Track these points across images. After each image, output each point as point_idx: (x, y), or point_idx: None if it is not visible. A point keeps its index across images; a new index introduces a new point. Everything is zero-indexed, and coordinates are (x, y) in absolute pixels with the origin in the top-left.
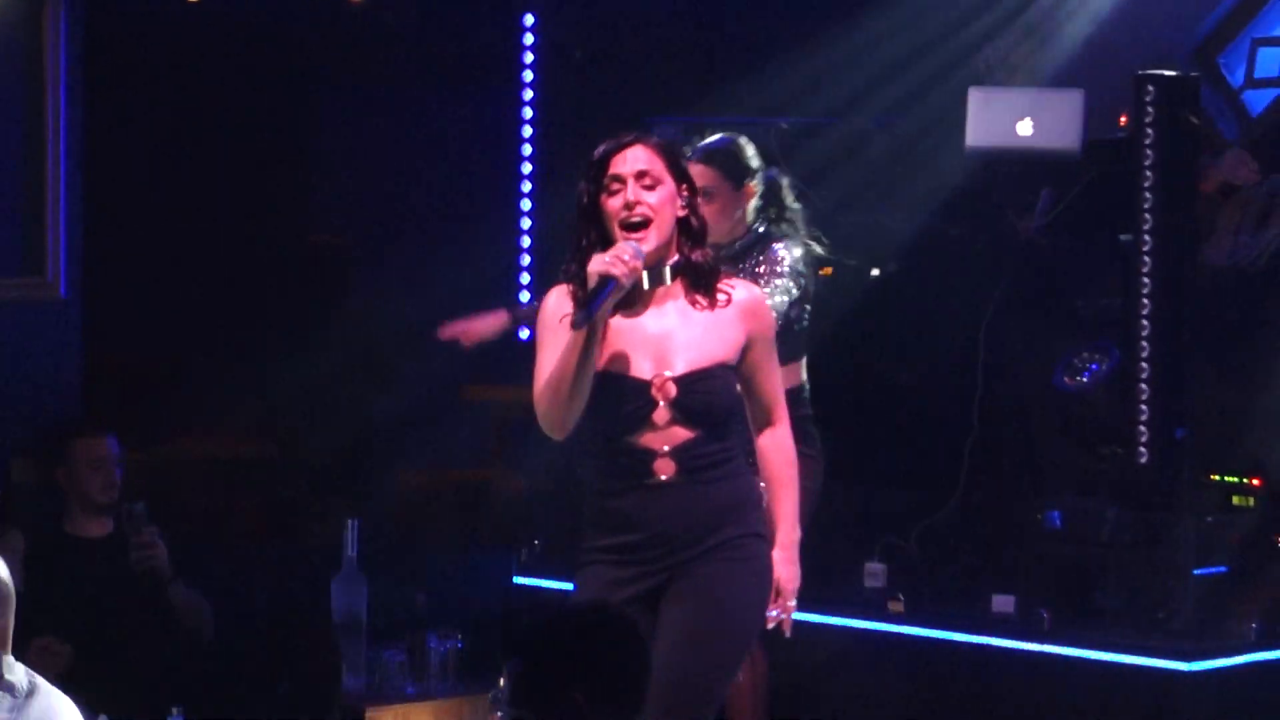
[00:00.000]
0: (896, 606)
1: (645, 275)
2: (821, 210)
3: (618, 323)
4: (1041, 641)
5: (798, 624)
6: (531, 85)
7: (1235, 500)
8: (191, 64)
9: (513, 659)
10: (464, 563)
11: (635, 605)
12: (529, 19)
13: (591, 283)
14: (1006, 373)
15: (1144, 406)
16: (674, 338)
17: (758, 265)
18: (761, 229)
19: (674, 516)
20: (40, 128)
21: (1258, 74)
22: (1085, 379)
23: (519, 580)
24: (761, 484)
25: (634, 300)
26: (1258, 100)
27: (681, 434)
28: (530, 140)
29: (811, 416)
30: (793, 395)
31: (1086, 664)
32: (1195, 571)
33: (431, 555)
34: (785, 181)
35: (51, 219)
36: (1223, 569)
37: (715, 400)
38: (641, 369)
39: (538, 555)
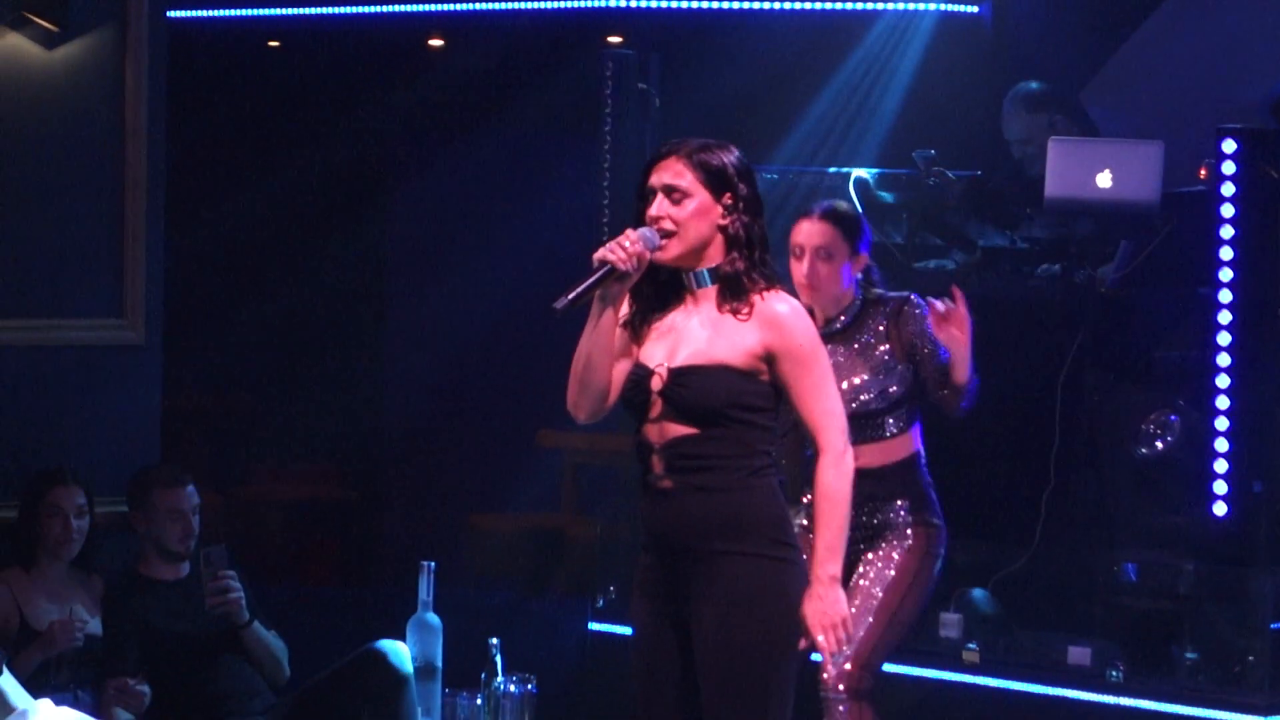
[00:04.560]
0: (971, 657)
1: (691, 278)
2: (898, 260)
3: (657, 318)
4: (1117, 694)
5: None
6: (609, 132)
7: None
8: (273, 108)
9: None
10: (539, 608)
11: (670, 636)
12: (609, 66)
13: (594, 269)
14: (1083, 425)
15: (1222, 460)
16: (688, 335)
17: (899, 323)
18: (864, 296)
19: (672, 525)
20: (122, 171)
21: None
22: (1160, 445)
23: (594, 626)
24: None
25: (669, 299)
26: None
27: (673, 429)
28: (607, 187)
29: (932, 484)
30: (909, 464)
31: (1162, 717)
32: (1272, 626)
33: (506, 600)
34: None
35: (132, 262)
36: None
37: (699, 398)
38: (652, 359)
39: (613, 602)
